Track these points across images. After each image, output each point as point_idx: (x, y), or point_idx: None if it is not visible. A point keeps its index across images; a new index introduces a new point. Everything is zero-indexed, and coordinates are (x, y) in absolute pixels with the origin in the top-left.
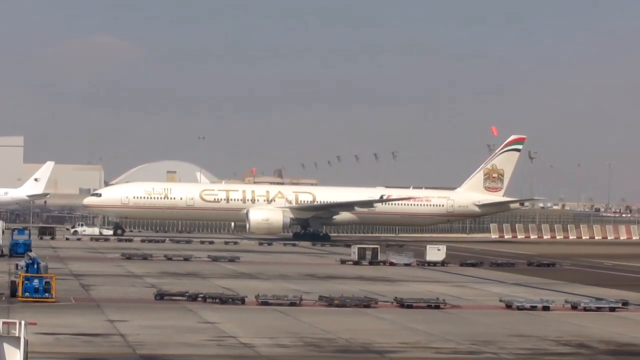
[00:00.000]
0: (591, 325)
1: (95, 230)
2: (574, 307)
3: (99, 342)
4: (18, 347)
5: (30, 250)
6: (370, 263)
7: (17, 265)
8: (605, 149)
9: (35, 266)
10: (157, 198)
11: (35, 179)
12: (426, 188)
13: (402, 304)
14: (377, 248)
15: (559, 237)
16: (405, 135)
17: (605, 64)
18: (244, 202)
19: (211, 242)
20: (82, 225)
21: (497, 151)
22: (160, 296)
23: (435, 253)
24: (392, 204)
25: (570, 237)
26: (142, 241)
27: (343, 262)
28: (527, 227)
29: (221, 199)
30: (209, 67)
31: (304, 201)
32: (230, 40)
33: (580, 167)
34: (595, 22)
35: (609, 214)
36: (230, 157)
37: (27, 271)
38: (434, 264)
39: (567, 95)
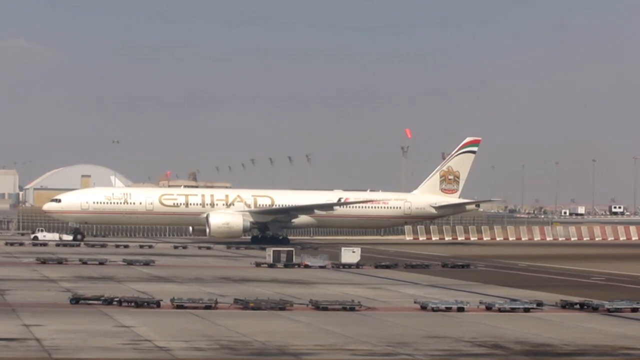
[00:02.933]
0: (506, 326)
1: (55, 236)
2: (489, 308)
3: (14, 347)
4: None
5: None
6: (286, 266)
7: None
8: (518, 151)
9: None
10: (117, 203)
11: None
12: (383, 191)
13: (318, 306)
14: (292, 251)
15: (473, 238)
16: (320, 139)
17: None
18: (203, 206)
19: (126, 246)
20: (42, 230)
21: (452, 153)
22: (76, 300)
23: (350, 255)
24: (350, 207)
25: (485, 239)
26: (57, 245)
27: (258, 264)
28: (441, 229)
29: (180, 204)
30: (122, 68)
31: (263, 205)
32: (144, 39)
33: (493, 169)
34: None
35: (522, 215)
36: (144, 161)
37: None
38: (349, 266)
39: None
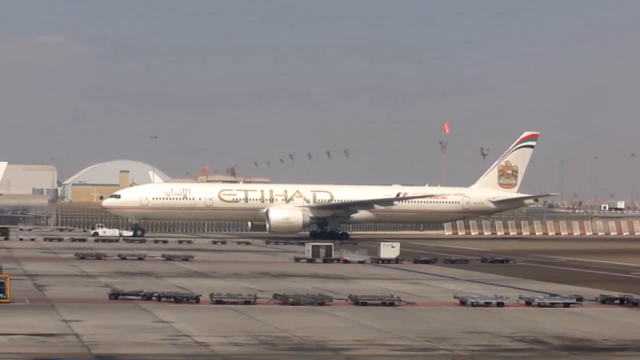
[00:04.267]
0: (545, 321)
1: (115, 232)
2: (528, 303)
3: (53, 342)
4: None
5: None
6: (324, 261)
7: None
8: (556, 145)
9: None
10: (176, 199)
11: None
12: (441, 185)
13: (357, 301)
14: (330, 245)
15: (512, 233)
16: (358, 133)
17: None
18: (263, 201)
19: (165, 242)
20: (102, 226)
21: (510, 148)
22: (115, 296)
23: (389, 250)
24: (409, 202)
25: (524, 233)
26: (96, 241)
27: (297, 259)
28: (480, 224)
29: (240, 199)
30: (160, 65)
31: (322, 200)
32: (179, 37)
33: (532, 164)
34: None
35: (562, 210)
36: (182, 157)
37: None
38: (388, 261)
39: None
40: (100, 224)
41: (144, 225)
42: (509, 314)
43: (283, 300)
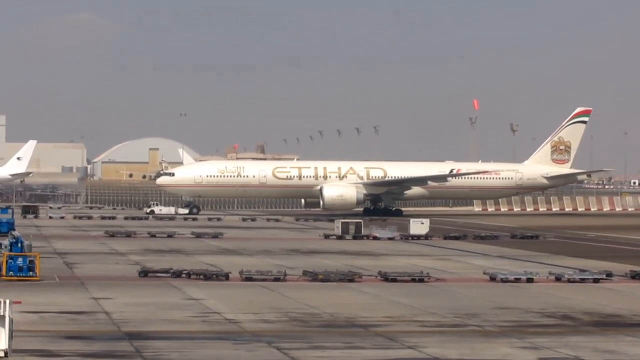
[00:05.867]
0: (575, 297)
1: (171, 210)
2: (558, 279)
3: (83, 320)
4: (3, 325)
5: (14, 230)
6: (354, 238)
7: (0, 244)
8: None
9: (19, 245)
10: (230, 176)
11: (18, 158)
12: (494, 162)
13: (387, 278)
14: (360, 222)
15: (542, 209)
16: (387, 109)
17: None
18: (317, 179)
19: (195, 219)
20: (157, 204)
21: (563, 124)
22: (145, 273)
23: (419, 227)
24: (462, 178)
25: (554, 209)
26: (126, 219)
27: (327, 237)
28: (510, 200)
29: (294, 177)
30: (191, 39)
31: (376, 177)
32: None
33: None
34: None
35: (591, 186)
36: (211, 134)
37: (11, 250)
38: (418, 237)
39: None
40: (156, 202)
41: (198, 202)
42: (538, 290)
43: (313, 277)
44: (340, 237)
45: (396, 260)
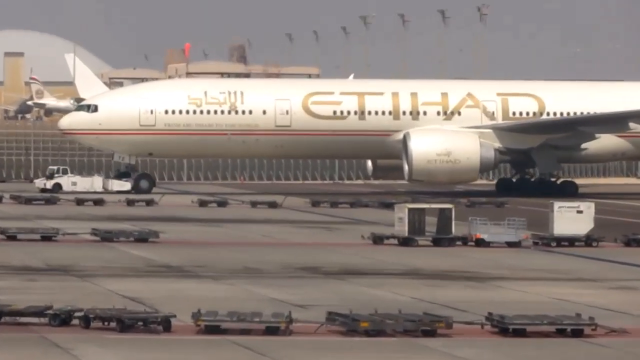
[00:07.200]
0: None
1: (95, 182)
2: None
3: None
4: None
5: None
6: (435, 241)
7: None
8: None
9: None
10: (216, 112)
11: None
12: None
13: (504, 327)
14: (448, 210)
15: None
16: None
17: None
18: (397, 117)
19: (98, 201)
20: (64, 171)
21: None
22: None
23: (571, 219)
24: None
25: None
26: (54, 201)
27: (377, 239)
28: None
29: (348, 112)
30: None
31: (520, 113)
32: None
33: None
34: None
35: None
36: (132, 29)
37: None
38: (569, 240)
39: None
40: (57, 168)
41: (149, 167)
42: None
43: (348, 326)
44: (405, 241)
45: (523, 289)
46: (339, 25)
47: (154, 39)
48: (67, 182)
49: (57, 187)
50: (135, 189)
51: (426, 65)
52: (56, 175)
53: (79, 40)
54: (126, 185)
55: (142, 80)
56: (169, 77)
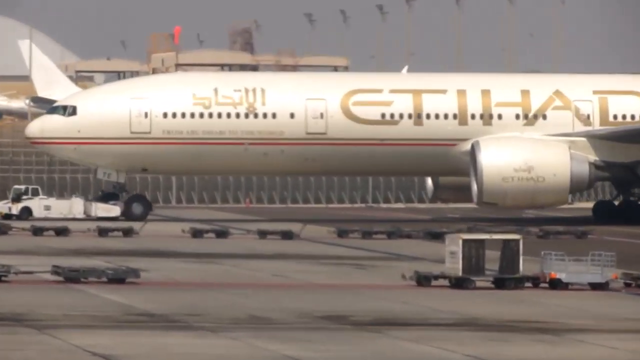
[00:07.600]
0: None
1: (76, 206)
2: None
3: None
4: None
5: None
6: (497, 282)
7: None
8: None
9: None
10: (230, 116)
11: None
12: None
13: None
14: (514, 242)
15: None
16: None
17: None
18: (462, 122)
19: (62, 231)
20: (38, 193)
21: None
22: None
23: None
24: None
25: None
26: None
27: (423, 280)
28: None
29: (399, 116)
30: None
31: (624, 117)
32: None
33: None
34: None
35: None
36: (104, 12)
37: None
38: None
39: None
40: (25, 188)
41: (139, 186)
42: None
43: None
44: (458, 282)
45: (613, 345)
46: (374, 3)
47: (133, 21)
48: (39, 205)
49: (26, 212)
50: (127, 214)
51: (488, 55)
52: (24, 197)
53: (37, 23)
54: (114, 209)
55: (119, 74)
56: (153, 70)
